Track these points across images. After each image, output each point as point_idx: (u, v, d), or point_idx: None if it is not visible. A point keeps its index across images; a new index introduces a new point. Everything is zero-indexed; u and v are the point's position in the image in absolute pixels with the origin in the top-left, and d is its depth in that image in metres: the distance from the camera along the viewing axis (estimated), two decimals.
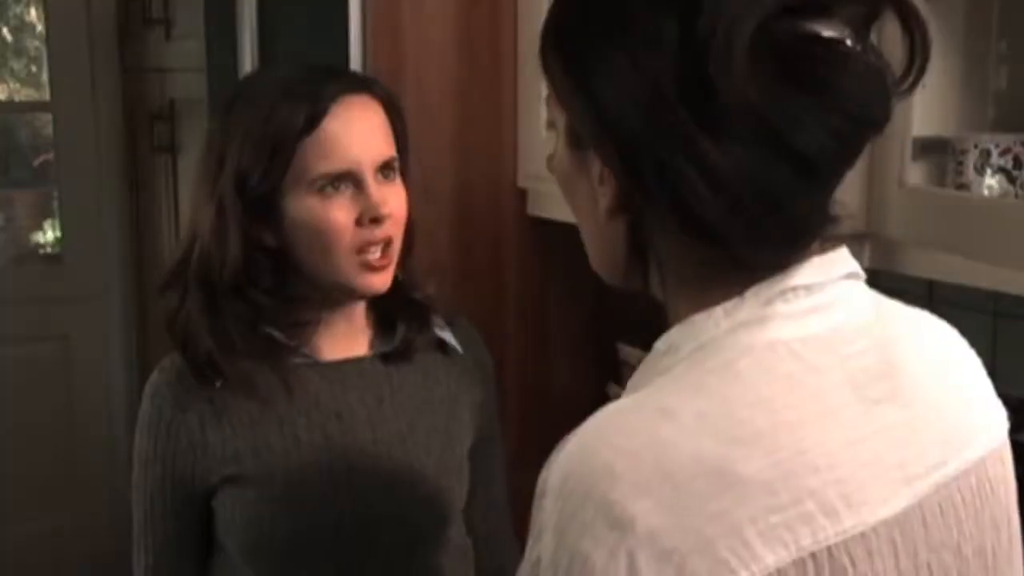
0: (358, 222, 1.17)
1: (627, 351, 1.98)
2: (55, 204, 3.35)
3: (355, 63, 1.81)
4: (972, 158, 1.12)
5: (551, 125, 0.82)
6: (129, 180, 3.19)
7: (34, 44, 3.43)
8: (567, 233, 1.94)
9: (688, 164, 0.69)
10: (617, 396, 2.23)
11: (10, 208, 3.57)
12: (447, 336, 1.34)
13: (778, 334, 0.71)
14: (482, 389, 1.37)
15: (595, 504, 0.64)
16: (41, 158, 3.50)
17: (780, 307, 0.72)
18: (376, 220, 1.18)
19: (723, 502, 0.64)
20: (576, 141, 0.77)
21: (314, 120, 1.15)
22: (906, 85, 0.72)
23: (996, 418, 0.81)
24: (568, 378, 2.04)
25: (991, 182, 1.11)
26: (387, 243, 1.20)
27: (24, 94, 3.53)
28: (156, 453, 1.23)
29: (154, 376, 1.27)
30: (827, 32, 0.69)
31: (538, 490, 0.67)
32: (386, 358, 1.28)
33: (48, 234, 3.48)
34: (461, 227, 1.91)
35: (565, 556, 0.64)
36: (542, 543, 0.66)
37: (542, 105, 1.84)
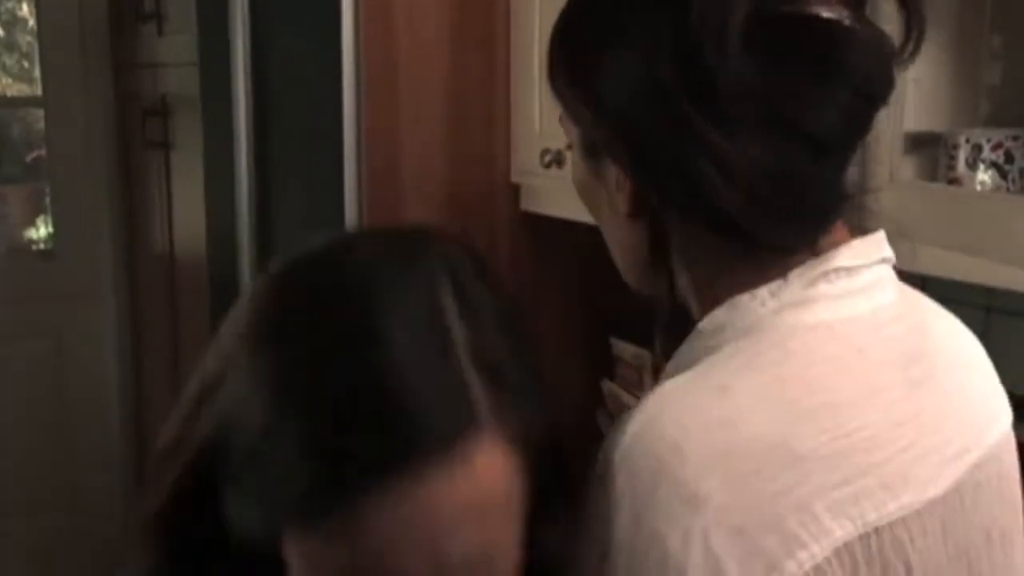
0: None
1: (621, 347, 1.98)
2: (47, 200, 3.34)
3: (348, 60, 1.81)
4: (963, 153, 1.12)
5: (570, 145, 0.84)
6: (122, 176, 3.18)
7: (26, 39, 3.42)
8: (560, 228, 1.95)
9: (700, 158, 0.69)
10: (611, 392, 2.24)
11: (2, 204, 3.56)
12: None
13: (823, 315, 0.72)
14: None
15: (667, 483, 0.64)
16: (33, 154, 3.49)
17: (823, 288, 0.73)
18: None
19: (787, 479, 0.64)
20: (590, 150, 0.79)
21: None
22: (906, 54, 0.73)
23: (1005, 405, 0.83)
24: (562, 374, 2.04)
25: (984, 177, 1.11)
26: None
27: (16, 89, 3.52)
28: None
29: None
30: (824, 12, 0.69)
31: (600, 470, 0.67)
32: None
33: (41, 230, 3.48)
34: (454, 222, 1.90)
35: (643, 536, 0.64)
36: (616, 524, 0.65)
37: (535, 102, 1.84)
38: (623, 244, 0.81)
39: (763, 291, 0.73)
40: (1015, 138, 1.11)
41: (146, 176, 2.94)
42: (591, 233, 1.86)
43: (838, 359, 0.71)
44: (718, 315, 0.74)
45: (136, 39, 2.92)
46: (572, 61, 0.78)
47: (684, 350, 0.77)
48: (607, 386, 1.98)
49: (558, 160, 1.77)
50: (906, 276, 0.80)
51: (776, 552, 0.63)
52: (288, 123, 2.09)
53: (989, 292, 1.35)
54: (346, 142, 1.83)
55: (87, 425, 3.24)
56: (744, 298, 0.73)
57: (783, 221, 0.71)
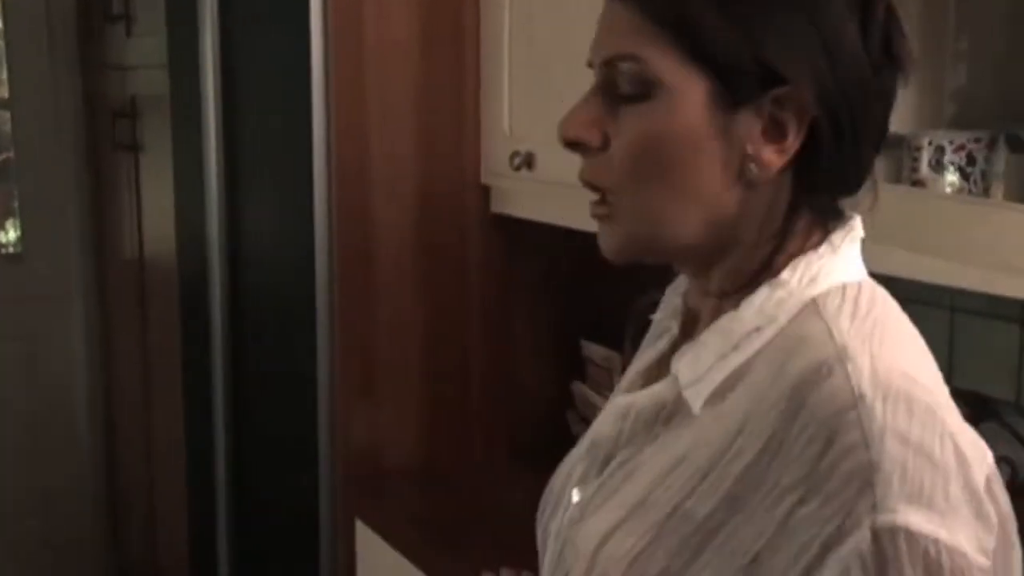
0: None
1: (591, 348, 1.98)
2: (15, 203, 3.31)
3: (316, 60, 1.81)
4: (927, 155, 1.13)
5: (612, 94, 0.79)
6: (91, 178, 3.16)
7: None
8: (531, 230, 1.95)
9: (875, 107, 0.76)
10: (581, 394, 2.24)
11: None
12: None
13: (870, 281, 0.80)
14: None
15: (915, 401, 0.70)
16: (1, 156, 3.46)
17: (857, 253, 0.79)
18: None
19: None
20: (724, 101, 0.74)
21: None
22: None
23: None
24: (533, 376, 2.05)
25: (953, 179, 1.12)
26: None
27: None
28: None
29: None
30: None
31: (841, 403, 0.69)
32: None
33: (9, 233, 3.44)
34: (424, 224, 1.91)
35: (911, 449, 0.68)
36: (884, 445, 0.67)
37: (504, 103, 1.84)
38: (716, 206, 0.77)
39: (834, 247, 0.78)
40: (977, 140, 1.12)
41: (115, 178, 2.92)
42: (561, 235, 1.87)
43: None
44: (801, 269, 0.78)
45: (104, 40, 2.90)
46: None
47: (771, 298, 0.78)
48: (577, 387, 1.99)
49: (528, 162, 1.77)
50: (872, 277, 0.80)
51: (982, 446, 0.72)
52: (258, 124, 2.08)
53: (954, 293, 1.36)
54: (315, 144, 1.83)
55: (56, 428, 3.21)
56: (822, 252, 0.78)
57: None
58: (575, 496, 0.86)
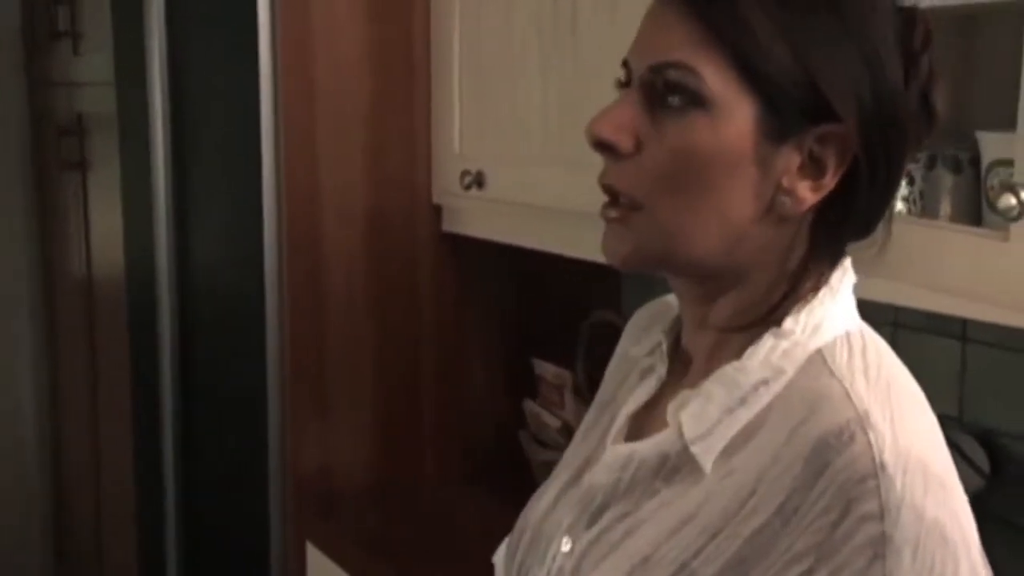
0: None
1: (542, 366, 1.99)
2: None
3: (265, 79, 1.80)
4: None
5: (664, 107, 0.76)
6: (37, 196, 3.11)
7: None
8: (482, 249, 1.96)
9: (907, 151, 0.77)
10: (532, 412, 2.23)
11: None
12: None
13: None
14: None
15: (931, 475, 0.70)
16: None
17: (852, 297, 0.80)
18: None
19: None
20: (771, 129, 0.73)
21: None
22: None
23: None
24: (485, 394, 2.05)
25: (899, 205, 1.14)
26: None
27: None
28: None
29: None
30: None
31: (863, 471, 0.68)
32: None
33: None
34: (376, 243, 1.90)
35: (926, 525, 0.68)
36: (900, 518, 0.67)
37: (455, 123, 1.84)
38: (749, 239, 0.75)
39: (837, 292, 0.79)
40: (915, 160, 1.14)
41: (62, 197, 2.88)
42: (511, 254, 1.88)
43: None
44: (816, 314, 0.77)
45: (50, 57, 2.87)
46: (787, 19, 0.72)
47: (773, 349, 0.76)
48: (528, 405, 1.99)
49: (478, 182, 1.77)
50: None
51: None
52: (206, 142, 2.07)
53: (897, 310, 1.39)
54: (264, 163, 1.82)
55: (2, 449, 3.16)
56: (835, 304, 0.78)
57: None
58: (565, 545, 0.83)
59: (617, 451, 0.83)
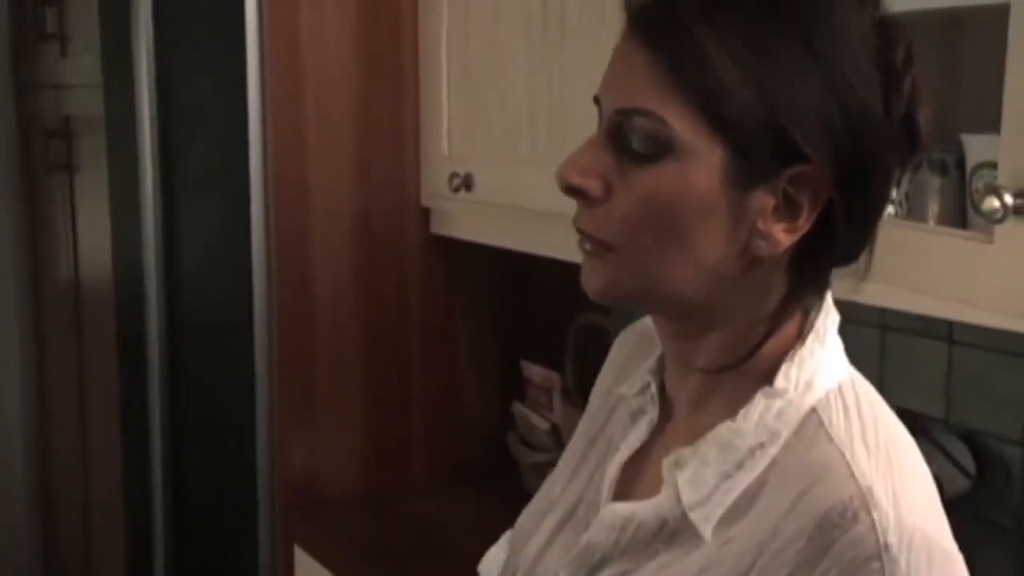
0: None
1: (531, 369, 1.99)
2: None
3: (253, 81, 1.80)
4: None
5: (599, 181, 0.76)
6: (25, 199, 3.10)
7: None
8: (470, 251, 1.96)
9: (889, 183, 0.75)
10: (521, 414, 2.23)
11: None
12: None
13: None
14: None
15: (935, 552, 0.70)
16: None
17: (838, 341, 0.80)
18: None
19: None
20: (740, 174, 0.71)
21: None
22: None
23: None
24: (474, 396, 2.05)
25: (890, 208, 1.14)
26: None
27: None
28: None
29: None
30: None
31: (868, 552, 0.68)
32: None
33: None
34: (364, 246, 1.90)
35: None
36: None
37: (443, 125, 1.85)
38: (728, 276, 0.74)
39: (831, 342, 0.79)
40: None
41: (50, 199, 2.87)
42: (499, 256, 1.88)
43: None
44: (808, 370, 0.77)
45: (38, 60, 2.86)
46: (753, 61, 0.70)
47: (768, 410, 0.76)
48: (517, 408, 1.99)
49: (467, 184, 1.78)
50: None
51: None
52: (194, 145, 2.07)
53: (884, 311, 1.39)
54: (252, 165, 1.82)
55: None
56: (824, 353, 0.78)
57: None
58: None
59: (615, 511, 0.81)
